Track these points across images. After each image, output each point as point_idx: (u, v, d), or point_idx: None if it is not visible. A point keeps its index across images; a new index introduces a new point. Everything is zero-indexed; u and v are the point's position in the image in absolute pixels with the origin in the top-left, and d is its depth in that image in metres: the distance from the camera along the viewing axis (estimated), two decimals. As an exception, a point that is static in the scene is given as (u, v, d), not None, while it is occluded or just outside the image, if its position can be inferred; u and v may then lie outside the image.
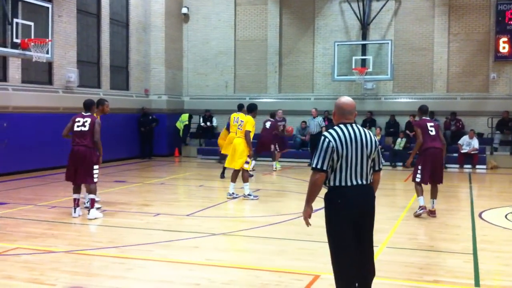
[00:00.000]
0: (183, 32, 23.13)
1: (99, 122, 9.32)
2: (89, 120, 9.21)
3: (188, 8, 22.90)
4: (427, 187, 9.71)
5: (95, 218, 9.09)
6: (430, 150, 9.46)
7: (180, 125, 21.76)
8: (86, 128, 9.15)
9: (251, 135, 11.31)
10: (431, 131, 9.54)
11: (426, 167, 9.46)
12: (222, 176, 14.70)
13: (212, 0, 22.71)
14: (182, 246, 7.45)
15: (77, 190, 9.35)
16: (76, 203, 9.31)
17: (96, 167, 9.33)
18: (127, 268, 6.33)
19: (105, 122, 10.51)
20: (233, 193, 11.43)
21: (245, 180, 11.30)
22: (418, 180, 9.54)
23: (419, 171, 9.52)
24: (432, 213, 9.51)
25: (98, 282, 5.81)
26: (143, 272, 6.20)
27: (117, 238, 7.91)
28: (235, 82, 22.70)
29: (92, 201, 9.20)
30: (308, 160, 18.59)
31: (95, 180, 9.30)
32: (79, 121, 9.23)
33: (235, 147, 11.39)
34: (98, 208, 9.53)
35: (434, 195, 9.62)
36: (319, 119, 18.97)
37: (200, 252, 7.13)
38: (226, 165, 12.03)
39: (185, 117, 21.83)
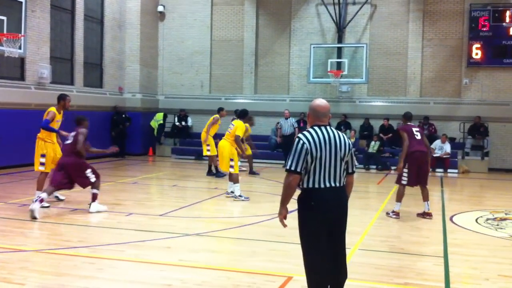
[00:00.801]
0: (159, 30, 22.97)
1: (83, 131, 9.37)
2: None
3: (164, 6, 22.75)
4: (408, 192, 9.82)
5: (98, 212, 9.26)
6: (416, 154, 9.63)
7: (154, 124, 21.61)
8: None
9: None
10: (417, 135, 9.74)
11: (412, 170, 9.62)
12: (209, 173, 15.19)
13: (189, -1, 22.62)
14: (155, 246, 7.38)
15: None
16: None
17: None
18: (97, 268, 6.24)
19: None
20: (231, 192, 11.50)
21: (234, 181, 11.34)
22: (404, 182, 9.69)
23: (405, 174, 9.66)
24: (428, 215, 9.74)
25: (68, 282, 5.71)
26: (114, 272, 6.12)
27: (88, 238, 7.80)
28: (210, 82, 22.63)
29: (95, 195, 9.38)
30: (282, 162, 18.65)
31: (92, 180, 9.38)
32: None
33: (220, 150, 11.62)
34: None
35: (426, 197, 9.82)
36: (292, 120, 19.08)
37: (173, 253, 7.07)
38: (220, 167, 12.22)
39: (160, 116, 21.68)
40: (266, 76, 22.16)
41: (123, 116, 20.49)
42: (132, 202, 10.93)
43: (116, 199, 11.27)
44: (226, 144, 11.47)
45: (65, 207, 10.04)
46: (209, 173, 15.25)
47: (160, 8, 22.67)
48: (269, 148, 20.18)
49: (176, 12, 22.81)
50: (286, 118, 19.12)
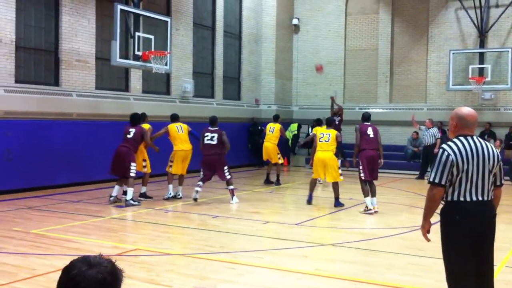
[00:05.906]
0: (293, 43, 23.38)
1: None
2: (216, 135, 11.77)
3: (298, 19, 23.12)
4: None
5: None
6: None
7: (289, 134, 21.94)
8: (215, 142, 11.63)
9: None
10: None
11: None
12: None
13: (323, 10, 22.79)
14: (292, 254, 7.52)
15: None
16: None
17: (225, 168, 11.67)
18: (238, 273, 6.50)
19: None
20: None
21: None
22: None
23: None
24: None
25: (211, 286, 6.02)
26: (254, 278, 6.34)
27: (228, 244, 8.15)
28: (344, 92, 22.56)
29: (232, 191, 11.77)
30: (418, 172, 18.09)
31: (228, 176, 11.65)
32: (207, 135, 11.78)
33: (326, 162, 11.57)
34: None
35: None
36: (434, 130, 18.30)
37: (309, 262, 7.17)
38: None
39: (294, 126, 22.00)
40: (401, 85, 21.63)
41: (259, 128, 21.09)
42: (269, 210, 11.23)
43: (254, 207, 11.65)
44: (331, 156, 11.71)
45: (206, 213, 10.57)
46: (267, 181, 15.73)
47: (294, 21, 23.09)
48: (404, 159, 19.63)
49: (310, 24, 23.08)
50: (428, 128, 18.44)
